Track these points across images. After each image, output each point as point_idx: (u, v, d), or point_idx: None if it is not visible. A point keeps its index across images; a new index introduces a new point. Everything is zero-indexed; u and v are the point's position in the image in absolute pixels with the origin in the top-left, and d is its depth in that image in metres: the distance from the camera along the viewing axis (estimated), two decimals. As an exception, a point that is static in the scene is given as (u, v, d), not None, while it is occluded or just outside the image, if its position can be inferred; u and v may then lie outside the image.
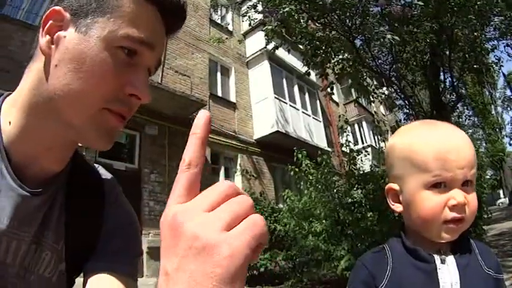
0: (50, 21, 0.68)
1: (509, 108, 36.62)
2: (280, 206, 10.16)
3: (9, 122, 0.71)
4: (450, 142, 0.98)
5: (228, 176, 12.88)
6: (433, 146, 0.97)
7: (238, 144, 13.30)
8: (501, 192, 40.13)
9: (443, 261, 0.98)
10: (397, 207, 1.06)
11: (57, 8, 0.67)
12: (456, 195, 0.95)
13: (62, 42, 0.67)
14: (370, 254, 1.13)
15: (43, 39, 0.67)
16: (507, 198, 33.03)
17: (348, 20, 8.00)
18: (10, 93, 0.75)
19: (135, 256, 0.87)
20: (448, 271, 0.96)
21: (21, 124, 0.70)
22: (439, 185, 0.96)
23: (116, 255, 0.81)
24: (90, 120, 0.67)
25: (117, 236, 0.85)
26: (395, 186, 1.06)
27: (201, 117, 0.44)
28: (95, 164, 0.93)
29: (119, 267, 0.79)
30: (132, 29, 0.66)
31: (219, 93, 13.72)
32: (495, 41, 9.54)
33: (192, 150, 0.43)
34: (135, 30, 0.67)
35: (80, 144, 0.78)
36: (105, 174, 0.93)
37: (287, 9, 6.83)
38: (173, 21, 0.76)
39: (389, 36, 6.45)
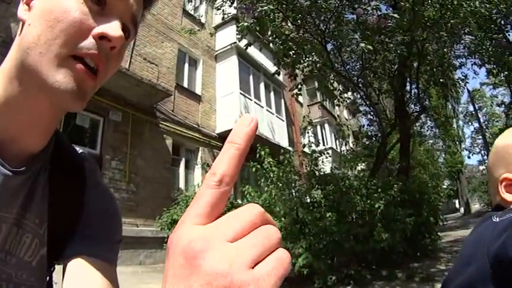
0: None
1: (470, 123, 38.03)
2: (239, 201, 10.19)
3: None
4: None
5: (189, 168, 12.82)
6: None
7: (201, 137, 13.24)
8: (457, 201, 41.68)
9: None
10: (510, 197, 1.06)
11: None
12: None
13: (35, 4, 0.67)
14: None
15: (21, 8, 0.69)
16: (462, 208, 34.38)
17: (322, 24, 8.11)
18: None
19: (115, 242, 0.86)
20: None
21: (1, 94, 0.67)
22: None
23: (97, 240, 0.80)
24: (57, 69, 0.64)
25: (98, 221, 0.83)
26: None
27: (246, 124, 0.39)
28: (76, 147, 0.90)
29: (99, 252, 0.79)
30: None
31: (185, 85, 13.58)
32: (463, 59, 9.91)
33: (227, 164, 0.37)
34: None
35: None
36: (86, 156, 0.90)
37: (265, 7, 6.85)
38: None
39: (362, 44, 6.58)
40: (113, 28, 0.66)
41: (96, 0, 0.66)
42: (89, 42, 0.65)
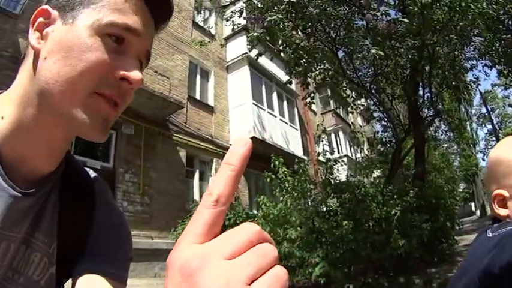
0: (39, 19, 0.70)
1: (483, 125, 37.78)
2: (255, 212, 10.16)
3: (2, 117, 0.70)
4: None
5: (203, 179, 12.81)
6: None
7: (214, 148, 13.23)
8: (473, 204, 41.30)
9: None
10: (503, 212, 1.10)
11: (44, 6, 0.70)
12: None
13: (51, 36, 0.68)
14: None
15: (32, 36, 0.70)
16: (478, 211, 34.01)
17: (332, 32, 8.08)
18: (2, 91, 0.76)
19: (125, 260, 0.86)
20: None
21: (15, 118, 0.69)
22: None
23: (106, 258, 0.80)
24: (82, 106, 0.66)
25: (107, 240, 0.83)
26: (505, 192, 1.10)
27: (241, 145, 0.39)
28: (86, 168, 0.92)
29: (108, 270, 0.78)
30: (117, 16, 0.68)
31: (198, 96, 13.63)
32: (474, 61, 9.83)
33: (223, 185, 0.37)
34: (120, 16, 0.68)
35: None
36: (95, 176, 0.92)
37: (274, 17, 6.84)
38: (159, 12, 0.76)
39: (373, 51, 6.54)
40: (135, 72, 0.68)
41: (116, 38, 0.68)
42: (110, 84, 0.67)
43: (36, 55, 0.69)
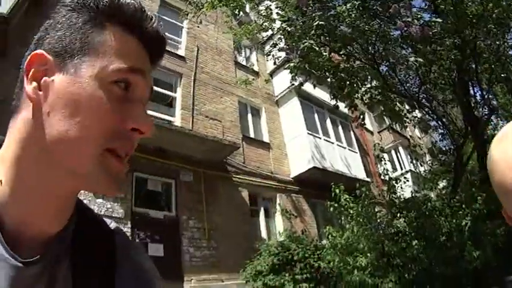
0: (34, 67, 0.64)
1: (543, 111, 35.56)
2: (324, 242, 9.95)
3: (0, 181, 0.63)
4: None
5: (268, 216, 12.76)
6: None
7: (276, 184, 13.22)
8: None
9: None
10: None
11: (39, 51, 0.64)
12: None
13: (51, 87, 0.62)
14: None
15: (29, 86, 0.63)
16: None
17: (370, 48, 7.95)
18: None
19: None
20: None
21: (15, 179, 0.62)
22: None
23: None
24: (95, 164, 0.61)
25: None
26: None
27: None
28: (105, 218, 0.84)
29: None
30: (121, 60, 0.64)
31: (252, 135, 13.80)
32: (519, 47, 9.27)
33: None
34: (124, 60, 0.64)
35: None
36: (116, 230, 0.83)
37: (306, 43, 6.83)
38: (154, 51, 0.73)
39: (412, 58, 6.35)
40: (145, 119, 0.66)
41: (124, 85, 0.65)
42: (122, 137, 0.64)
43: (35, 108, 0.63)
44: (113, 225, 0.83)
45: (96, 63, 0.63)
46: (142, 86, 0.68)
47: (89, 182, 0.64)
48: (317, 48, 7.54)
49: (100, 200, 8.34)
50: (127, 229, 8.57)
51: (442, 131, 12.45)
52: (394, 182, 8.77)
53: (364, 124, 9.80)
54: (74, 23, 0.65)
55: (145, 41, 0.70)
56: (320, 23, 6.63)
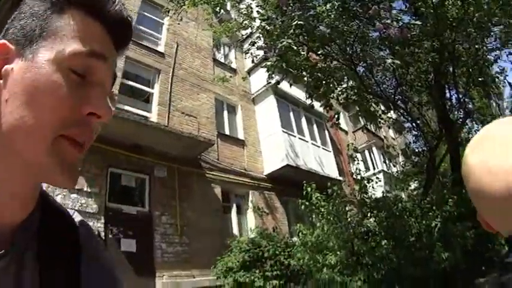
0: None
1: (518, 117, 36.76)
2: (294, 239, 10.02)
3: None
4: None
5: (240, 213, 12.77)
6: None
7: (249, 181, 13.25)
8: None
9: None
10: None
11: (1, 41, 0.62)
12: None
13: (11, 75, 0.61)
14: None
15: None
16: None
17: (348, 48, 8.00)
18: None
19: None
20: None
21: None
22: None
23: None
24: (49, 151, 0.59)
25: None
26: None
27: None
28: (69, 210, 0.81)
29: None
30: (80, 44, 0.62)
31: (227, 132, 13.79)
32: (497, 51, 9.46)
33: None
34: (83, 44, 0.62)
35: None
36: (81, 221, 0.80)
37: (284, 42, 6.84)
38: (119, 35, 0.70)
39: (389, 60, 6.42)
40: (103, 104, 0.64)
41: (79, 73, 0.62)
42: (78, 122, 0.61)
43: None
44: (76, 216, 0.81)
45: (54, 48, 0.61)
46: (103, 71, 0.66)
47: (44, 172, 0.61)
48: (295, 48, 7.53)
49: (74, 195, 8.18)
50: (100, 224, 8.50)
51: (416, 133, 12.64)
52: (366, 181, 8.86)
53: (339, 124, 9.87)
54: (36, 11, 0.63)
55: (108, 25, 0.68)
56: (299, 22, 6.65)
